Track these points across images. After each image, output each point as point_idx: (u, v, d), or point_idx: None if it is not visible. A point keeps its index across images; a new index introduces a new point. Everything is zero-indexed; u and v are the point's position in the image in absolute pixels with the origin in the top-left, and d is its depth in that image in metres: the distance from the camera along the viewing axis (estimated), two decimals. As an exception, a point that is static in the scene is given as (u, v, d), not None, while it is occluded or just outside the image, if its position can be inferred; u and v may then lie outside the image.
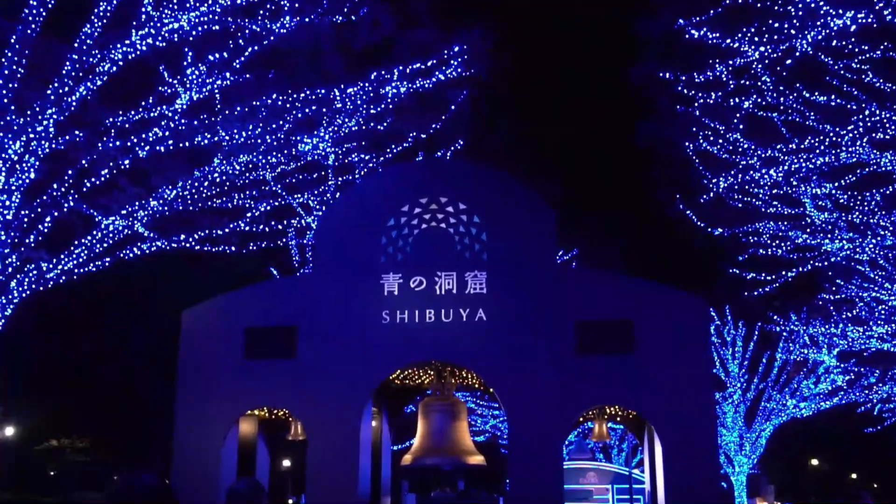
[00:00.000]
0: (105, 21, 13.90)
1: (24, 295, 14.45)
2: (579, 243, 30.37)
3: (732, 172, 18.17)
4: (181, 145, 15.46)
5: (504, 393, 14.80)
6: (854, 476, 57.60)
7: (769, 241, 20.28)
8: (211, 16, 14.69)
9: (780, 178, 17.95)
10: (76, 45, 13.82)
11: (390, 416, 18.59)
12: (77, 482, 36.27)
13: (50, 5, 13.40)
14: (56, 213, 14.72)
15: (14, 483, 34.49)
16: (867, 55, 15.74)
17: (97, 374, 33.88)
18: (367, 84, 17.46)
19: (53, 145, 14.31)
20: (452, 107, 20.01)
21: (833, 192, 18.23)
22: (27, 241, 14.46)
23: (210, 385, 15.07)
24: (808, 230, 19.44)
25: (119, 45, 14.19)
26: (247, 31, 15.29)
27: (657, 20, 16.52)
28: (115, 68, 14.31)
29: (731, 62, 16.05)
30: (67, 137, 14.46)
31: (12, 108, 13.72)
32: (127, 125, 14.92)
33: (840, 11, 14.58)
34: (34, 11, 13.29)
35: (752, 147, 17.71)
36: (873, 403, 29.74)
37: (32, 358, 31.41)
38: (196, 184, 16.01)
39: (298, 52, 16.68)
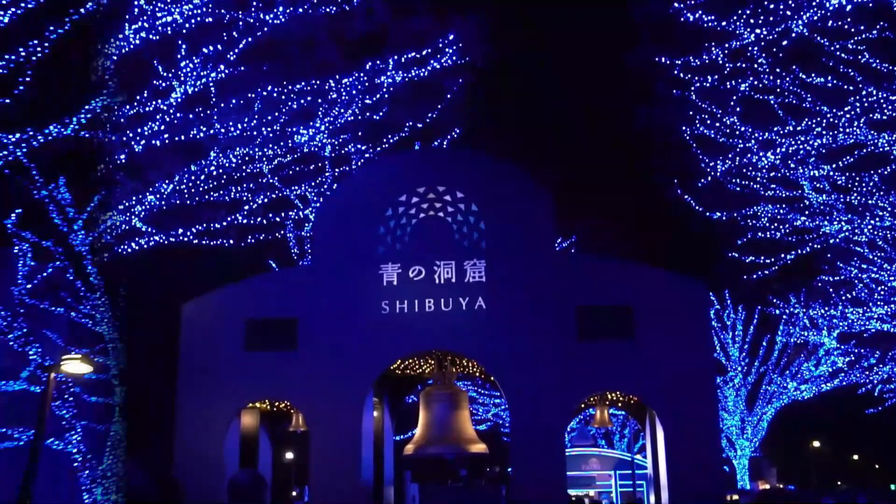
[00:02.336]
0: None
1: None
2: (578, 230, 30.34)
3: (730, 156, 18.10)
4: (177, 139, 15.40)
5: (505, 381, 14.82)
6: (856, 457, 57.71)
7: (768, 225, 20.21)
8: (204, 8, 14.61)
9: (778, 161, 17.88)
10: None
11: (392, 406, 18.61)
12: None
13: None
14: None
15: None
16: (863, 35, 15.63)
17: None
18: (362, 74, 17.40)
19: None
20: (448, 95, 19.93)
21: (831, 173, 18.15)
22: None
23: (211, 378, 15.10)
24: (807, 212, 19.37)
25: (112, 40, 14.11)
26: (240, 23, 15.21)
27: (654, 4, 16.41)
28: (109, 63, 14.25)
29: (726, 45, 15.97)
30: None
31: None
32: (122, 119, 14.85)
33: (836, -9, 14.49)
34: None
35: (750, 130, 17.64)
36: (874, 384, 29.72)
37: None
38: (193, 177, 15.95)
39: (293, 42, 16.59)
